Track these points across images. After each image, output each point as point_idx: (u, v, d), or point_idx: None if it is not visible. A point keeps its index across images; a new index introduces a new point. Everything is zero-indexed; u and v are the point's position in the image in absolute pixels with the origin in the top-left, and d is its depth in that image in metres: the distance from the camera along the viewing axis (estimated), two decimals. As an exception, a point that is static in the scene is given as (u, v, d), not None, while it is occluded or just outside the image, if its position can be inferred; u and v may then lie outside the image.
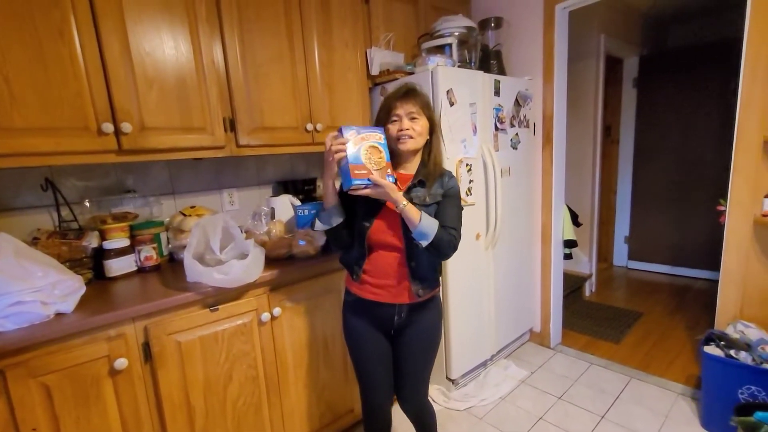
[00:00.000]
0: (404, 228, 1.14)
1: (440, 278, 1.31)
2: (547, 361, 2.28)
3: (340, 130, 1.09)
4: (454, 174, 1.25)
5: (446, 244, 1.12)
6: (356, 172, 1.05)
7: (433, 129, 1.22)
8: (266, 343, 1.38)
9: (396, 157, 1.19)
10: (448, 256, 1.16)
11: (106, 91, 1.21)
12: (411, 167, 1.22)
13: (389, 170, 1.10)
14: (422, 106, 1.18)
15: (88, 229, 1.42)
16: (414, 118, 1.16)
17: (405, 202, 1.08)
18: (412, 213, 1.08)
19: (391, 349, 1.28)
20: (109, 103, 1.22)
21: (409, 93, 1.18)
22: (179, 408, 1.21)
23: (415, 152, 1.21)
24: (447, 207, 1.17)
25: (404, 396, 1.30)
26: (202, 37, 1.40)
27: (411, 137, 1.16)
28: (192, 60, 1.38)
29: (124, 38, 1.23)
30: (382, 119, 1.20)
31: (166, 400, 1.18)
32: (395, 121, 1.17)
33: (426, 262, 1.18)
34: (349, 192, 1.07)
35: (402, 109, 1.16)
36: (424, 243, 1.10)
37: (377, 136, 1.12)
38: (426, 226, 1.09)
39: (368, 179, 1.05)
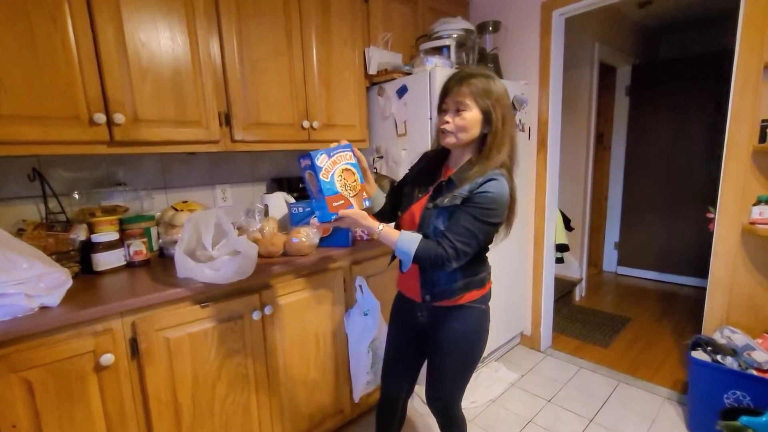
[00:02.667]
0: (420, 227, 1.08)
1: (477, 286, 1.12)
2: (537, 365, 2.29)
3: (308, 156, 1.01)
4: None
5: (431, 261, 1.00)
6: (334, 204, 1.01)
7: (489, 122, 1.02)
8: (257, 341, 1.36)
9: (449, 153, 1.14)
10: (440, 269, 1.04)
11: (99, 81, 1.19)
12: (456, 166, 1.09)
13: (364, 193, 1.08)
14: (476, 95, 1.00)
15: (76, 221, 1.38)
16: (460, 110, 1.02)
17: (379, 227, 1.04)
18: (389, 237, 1.04)
19: (424, 344, 1.24)
20: (101, 93, 1.20)
21: (464, 78, 1.02)
22: (166, 406, 1.18)
23: (464, 148, 1.07)
24: (460, 213, 1.01)
25: (427, 395, 1.27)
26: (199, 30, 1.38)
27: (450, 132, 1.04)
28: (188, 52, 1.36)
29: (119, 27, 1.21)
30: (438, 107, 1.10)
31: (152, 397, 1.15)
32: (443, 110, 1.06)
33: (439, 270, 1.06)
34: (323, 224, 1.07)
35: (451, 98, 1.04)
36: (407, 261, 1.05)
37: (347, 156, 1.05)
38: (403, 247, 1.03)
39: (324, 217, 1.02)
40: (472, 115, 1.02)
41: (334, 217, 1.01)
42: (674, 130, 3.36)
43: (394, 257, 1.24)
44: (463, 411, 1.28)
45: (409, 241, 1.03)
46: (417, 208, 1.12)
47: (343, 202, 1.02)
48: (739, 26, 1.62)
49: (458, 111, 1.03)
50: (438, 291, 1.11)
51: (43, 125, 1.11)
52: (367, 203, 1.09)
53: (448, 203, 1.03)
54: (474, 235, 1.00)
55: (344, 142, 1.07)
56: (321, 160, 1.00)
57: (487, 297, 1.17)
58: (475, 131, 1.04)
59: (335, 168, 1.02)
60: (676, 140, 3.37)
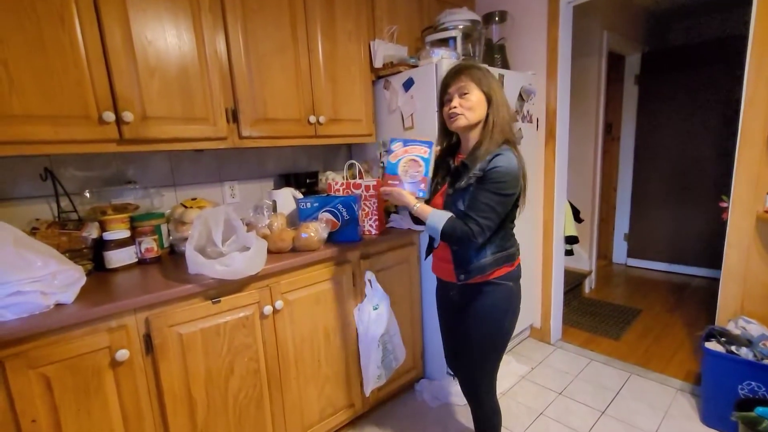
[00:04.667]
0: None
1: (505, 262, 1.18)
2: (548, 357, 2.28)
3: (392, 140, 1.23)
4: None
5: (458, 237, 1.09)
6: (389, 181, 1.22)
7: (490, 102, 1.13)
8: (268, 336, 1.37)
9: (460, 142, 1.24)
10: (468, 246, 1.14)
11: (107, 79, 1.19)
12: (467, 151, 1.18)
13: (423, 185, 1.20)
14: (476, 81, 1.12)
15: (87, 219, 1.40)
16: (464, 93, 1.13)
17: (416, 204, 1.16)
18: (423, 213, 1.16)
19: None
20: (110, 92, 1.20)
21: (461, 69, 1.14)
22: (180, 400, 1.20)
23: (471, 130, 1.16)
24: (477, 191, 1.09)
25: (458, 376, 1.35)
26: (205, 27, 1.38)
27: (459, 114, 1.13)
28: (194, 49, 1.36)
29: (126, 25, 1.21)
30: (440, 103, 1.21)
31: (167, 392, 1.17)
32: (448, 101, 1.16)
33: (467, 248, 1.15)
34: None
35: (453, 87, 1.15)
36: (436, 237, 1.14)
37: (422, 150, 1.21)
38: (432, 223, 1.13)
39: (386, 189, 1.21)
40: (477, 97, 1.13)
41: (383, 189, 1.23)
42: (685, 118, 3.30)
43: (428, 252, 1.34)
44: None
45: (439, 217, 1.12)
46: (440, 197, 1.22)
47: (397, 182, 1.21)
48: (753, 10, 1.58)
49: (463, 95, 1.13)
50: (471, 268, 1.17)
51: (53, 125, 1.12)
52: (421, 194, 1.20)
53: (465, 184, 1.12)
54: (493, 209, 1.09)
55: (428, 140, 1.23)
56: (396, 146, 1.23)
57: (515, 274, 1.21)
58: (481, 111, 1.14)
59: (404, 156, 1.22)
60: (686, 129, 3.31)
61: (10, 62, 1.05)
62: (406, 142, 1.22)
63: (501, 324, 1.21)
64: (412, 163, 1.21)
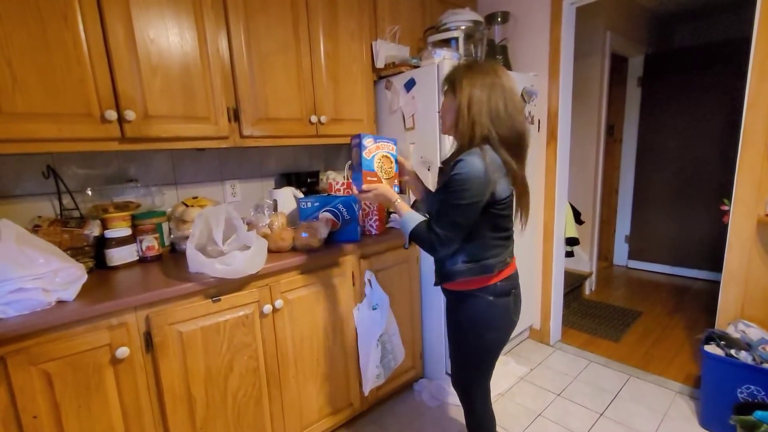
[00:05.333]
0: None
1: (480, 272, 1.12)
2: (547, 359, 2.28)
3: (358, 136, 1.20)
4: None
5: (423, 243, 1.10)
6: (368, 179, 1.19)
7: (454, 93, 1.07)
8: (267, 334, 1.38)
9: None
10: (432, 254, 1.13)
11: (109, 78, 1.20)
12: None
13: (396, 181, 1.23)
14: (449, 82, 1.10)
15: (89, 217, 1.41)
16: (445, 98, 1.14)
17: (397, 199, 1.16)
18: (401, 209, 1.15)
19: None
20: (112, 90, 1.21)
21: (447, 74, 1.12)
22: (180, 398, 1.20)
23: (454, 134, 1.12)
24: (442, 200, 1.06)
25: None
26: (207, 25, 1.38)
27: (442, 120, 1.16)
28: (196, 48, 1.37)
29: (128, 24, 1.21)
30: None
31: (167, 390, 1.17)
32: None
33: (460, 249, 1.13)
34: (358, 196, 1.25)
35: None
36: (406, 238, 1.15)
37: (390, 147, 1.23)
38: (405, 222, 1.13)
39: (361, 187, 1.19)
40: (449, 100, 1.11)
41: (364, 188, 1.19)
42: (687, 121, 3.29)
43: (440, 280, 1.25)
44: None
45: (411, 220, 1.12)
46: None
47: (375, 179, 1.19)
48: (757, 12, 1.57)
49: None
50: (443, 273, 1.17)
51: (56, 123, 1.13)
52: (396, 189, 1.22)
53: (437, 190, 1.14)
54: (452, 220, 1.04)
55: (393, 137, 1.29)
56: (367, 142, 1.19)
57: (494, 289, 1.13)
58: (452, 115, 1.10)
59: (377, 152, 1.21)
60: (689, 131, 3.30)
61: (13, 60, 1.05)
62: (376, 139, 1.21)
63: (479, 339, 1.17)
64: (385, 159, 1.22)
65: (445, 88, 1.13)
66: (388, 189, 1.17)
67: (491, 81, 1.04)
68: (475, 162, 1.00)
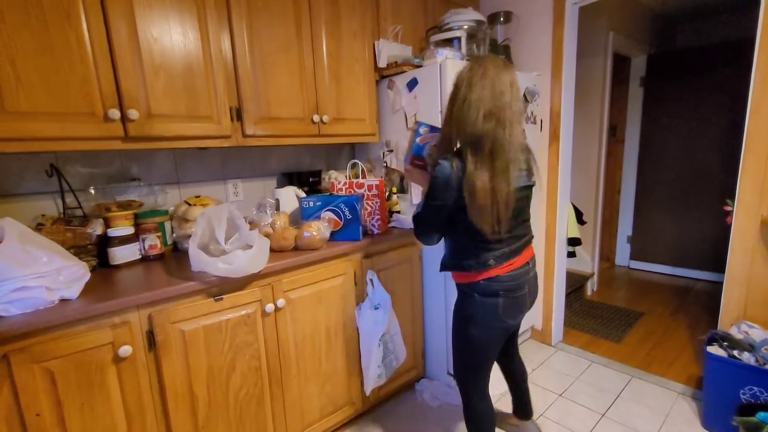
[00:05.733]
0: None
1: (463, 269, 1.20)
2: (548, 359, 2.28)
3: (421, 124, 1.32)
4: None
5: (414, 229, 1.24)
6: (415, 162, 1.32)
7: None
8: (270, 334, 1.38)
9: None
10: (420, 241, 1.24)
11: (113, 77, 1.20)
12: None
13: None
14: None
15: (92, 216, 1.41)
16: None
17: (424, 189, 1.23)
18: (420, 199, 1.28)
19: None
20: (116, 89, 1.21)
21: None
22: (182, 397, 1.21)
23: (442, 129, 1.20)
24: None
25: None
26: (210, 25, 1.38)
27: None
28: (199, 47, 1.37)
29: (132, 23, 1.22)
30: None
31: (169, 388, 1.18)
32: None
33: (447, 244, 1.26)
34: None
35: None
36: None
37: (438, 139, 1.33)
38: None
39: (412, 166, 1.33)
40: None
41: (408, 166, 1.35)
42: (690, 121, 3.28)
43: (440, 268, 1.33)
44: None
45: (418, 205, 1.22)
46: None
47: (422, 163, 1.31)
48: (761, 12, 1.57)
49: None
50: (441, 261, 1.28)
51: (60, 121, 1.13)
52: None
53: None
54: (423, 217, 1.18)
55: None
56: (423, 130, 1.31)
57: (478, 287, 1.18)
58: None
59: (430, 141, 1.30)
60: (691, 132, 3.29)
61: (17, 60, 1.05)
62: (432, 129, 1.31)
63: (464, 333, 1.24)
64: (433, 149, 1.29)
65: None
66: (423, 180, 1.28)
67: (481, 86, 1.06)
68: (443, 168, 1.07)
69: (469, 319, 1.22)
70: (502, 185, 1.06)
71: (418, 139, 1.30)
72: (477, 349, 1.25)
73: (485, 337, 1.23)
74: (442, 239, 1.27)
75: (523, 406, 1.61)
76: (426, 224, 1.18)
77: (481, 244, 1.15)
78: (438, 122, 1.75)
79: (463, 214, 1.09)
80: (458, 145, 1.10)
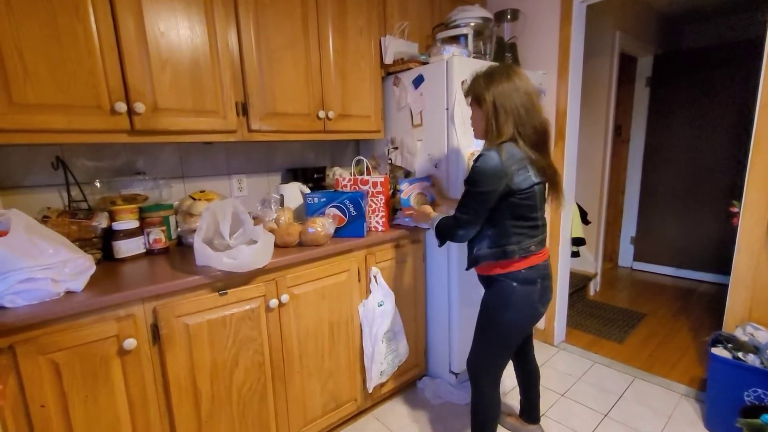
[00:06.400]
0: None
1: (502, 257, 1.24)
2: (551, 359, 2.27)
3: (398, 182, 1.72)
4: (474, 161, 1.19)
5: (445, 230, 1.29)
6: (406, 212, 1.63)
7: (480, 106, 1.21)
8: (273, 329, 1.38)
9: None
10: (453, 240, 1.29)
11: (119, 70, 1.20)
12: None
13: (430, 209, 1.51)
14: (469, 95, 1.25)
15: (97, 209, 1.41)
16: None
17: (431, 213, 1.41)
18: (434, 219, 1.35)
19: None
20: (122, 82, 1.21)
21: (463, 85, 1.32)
22: (186, 391, 1.21)
23: (486, 140, 1.26)
24: (465, 189, 1.22)
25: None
26: (217, 20, 1.38)
27: (474, 128, 1.31)
28: (206, 42, 1.36)
29: (139, 17, 1.21)
30: None
31: (173, 382, 1.18)
32: None
33: (483, 235, 1.28)
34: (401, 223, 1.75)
35: None
36: (434, 236, 1.35)
37: (424, 185, 1.73)
38: (432, 224, 1.35)
39: (409, 218, 1.64)
40: (474, 113, 1.26)
41: (400, 220, 1.76)
42: (696, 122, 3.26)
43: (469, 264, 1.36)
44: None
45: (437, 218, 1.33)
46: None
47: (411, 211, 1.60)
48: (771, 12, 1.55)
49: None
50: (471, 258, 1.31)
51: (66, 114, 1.13)
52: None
53: (464, 181, 1.24)
54: (466, 203, 1.21)
55: (428, 176, 1.79)
56: (404, 186, 1.67)
57: (518, 275, 1.24)
58: (481, 121, 1.23)
59: (412, 192, 1.68)
60: (697, 133, 3.26)
61: (25, 52, 1.05)
62: (411, 182, 1.68)
63: (496, 318, 1.28)
64: (419, 196, 1.69)
65: (470, 100, 1.26)
66: (422, 211, 1.48)
67: (511, 87, 1.17)
68: (492, 155, 1.14)
69: (505, 307, 1.25)
70: (549, 163, 1.23)
71: (401, 195, 1.64)
72: (508, 335, 1.29)
73: (519, 323, 1.28)
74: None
75: (531, 409, 1.61)
76: (471, 212, 1.20)
77: (525, 230, 1.23)
78: (443, 119, 1.74)
79: (512, 198, 1.17)
80: (504, 138, 1.17)
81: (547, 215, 2.30)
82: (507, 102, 1.16)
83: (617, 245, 3.81)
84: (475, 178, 1.17)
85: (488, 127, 1.20)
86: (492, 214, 1.20)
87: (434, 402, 1.89)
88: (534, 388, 1.59)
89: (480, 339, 1.33)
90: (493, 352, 1.32)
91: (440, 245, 1.34)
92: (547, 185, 1.27)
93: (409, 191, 1.65)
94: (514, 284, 1.24)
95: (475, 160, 1.17)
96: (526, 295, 1.24)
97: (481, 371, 1.34)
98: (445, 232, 1.29)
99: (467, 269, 1.35)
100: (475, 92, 1.21)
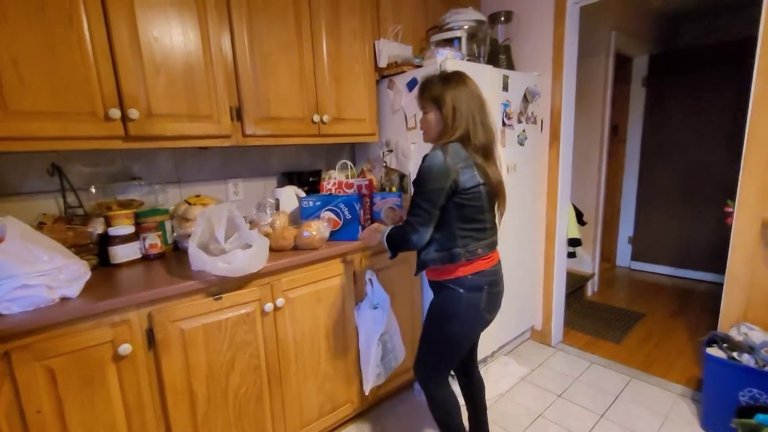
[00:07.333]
0: None
1: (449, 261, 1.20)
2: (548, 359, 2.28)
3: (372, 196, 1.78)
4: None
5: (397, 238, 1.23)
6: (359, 237, 1.56)
7: (439, 108, 1.19)
8: (269, 333, 1.39)
9: None
10: (407, 247, 1.23)
11: (113, 77, 1.21)
12: None
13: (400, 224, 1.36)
14: (425, 98, 1.22)
15: (93, 215, 1.42)
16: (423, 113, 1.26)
17: (382, 232, 1.28)
18: (384, 232, 1.28)
19: None
20: (116, 89, 1.22)
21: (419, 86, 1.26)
22: (181, 394, 1.21)
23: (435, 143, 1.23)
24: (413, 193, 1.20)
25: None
26: (211, 25, 1.39)
27: (425, 132, 1.28)
28: (200, 47, 1.37)
29: (132, 24, 1.22)
30: None
31: (168, 386, 1.18)
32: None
33: (430, 240, 1.24)
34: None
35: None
36: (388, 249, 1.29)
37: (394, 200, 1.75)
38: (383, 236, 1.28)
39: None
40: (430, 115, 1.22)
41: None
42: (692, 121, 3.27)
43: (417, 269, 1.31)
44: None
45: (385, 232, 1.27)
46: None
47: (363, 234, 1.47)
48: (763, 11, 1.56)
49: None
50: (419, 262, 1.26)
51: (61, 121, 1.14)
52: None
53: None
54: (417, 205, 1.16)
55: (397, 191, 1.82)
56: (377, 200, 1.77)
57: (464, 281, 1.20)
58: (434, 124, 1.22)
59: (383, 206, 1.76)
60: (694, 132, 3.27)
61: (19, 60, 1.06)
62: (383, 196, 1.76)
63: (442, 326, 1.24)
64: (390, 210, 1.74)
65: (424, 103, 1.23)
66: (371, 229, 1.39)
67: (466, 92, 1.18)
68: (437, 154, 1.13)
69: (452, 316, 1.22)
70: (494, 171, 1.21)
71: (375, 208, 1.76)
72: (453, 345, 1.26)
73: (465, 333, 1.25)
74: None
75: (479, 426, 1.49)
76: (422, 213, 1.15)
77: (472, 232, 1.20)
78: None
79: (457, 197, 1.15)
80: (450, 138, 1.17)
81: (541, 219, 2.33)
82: (462, 106, 1.16)
83: (615, 245, 3.81)
84: (422, 177, 1.15)
85: (445, 130, 1.18)
86: (440, 216, 1.18)
87: (431, 403, 1.89)
88: (479, 401, 1.48)
89: (425, 348, 1.30)
90: (439, 361, 1.29)
91: (392, 257, 1.29)
92: (491, 193, 1.22)
93: (380, 205, 1.74)
94: (461, 291, 1.20)
95: (422, 161, 1.16)
96: (473, 303, 1.21)
97: (428, 379, 1.32)
98: (398, 239, 1.23)
99: (415, 274, 1.31)
100: (434, 94, 1.19)
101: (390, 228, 1.27)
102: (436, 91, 1.19)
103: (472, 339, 1.32)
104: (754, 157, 1.63)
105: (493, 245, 1.26)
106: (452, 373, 1.53)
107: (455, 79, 1.19)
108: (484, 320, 1.26)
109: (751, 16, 1.89)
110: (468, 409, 1.50)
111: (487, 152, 1.20)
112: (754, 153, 1.63)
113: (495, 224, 1.27)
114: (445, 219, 1.18)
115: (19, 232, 1.04)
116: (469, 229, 1.19)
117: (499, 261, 1.30)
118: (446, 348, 1.27)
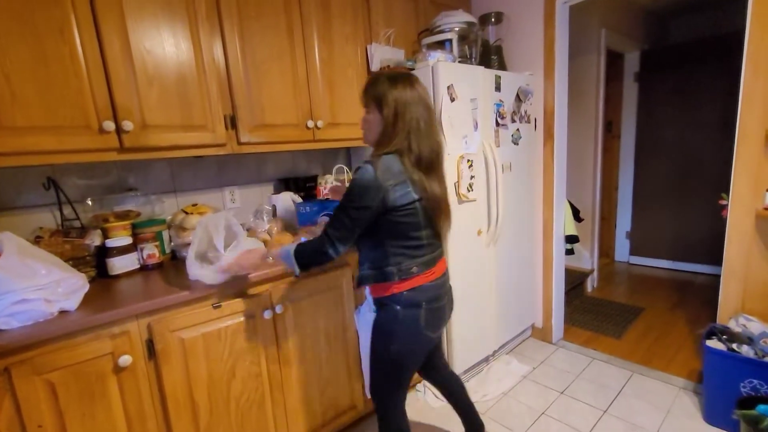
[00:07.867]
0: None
1: (383, 279, 1.12)
2: (549, 357, 2.28)
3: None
4: (450, 168, 1.15)
5: (310, 251, 1.12)
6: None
7: (380, 108, 1.09)
8: (269, 340, 1.39)
9: None
10: (319, 261, 1.13)
11: (107, 90, 1.21)
12: None
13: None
14: (368, 97, 1.13)
15: (90, 227, 1.42)
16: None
17: (287, 249, 1.15)
18: (274, 252, 1.19)
19: None
20: (110, 101, 1.22)
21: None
22: (183, 404, 1.21)
23: (376, 146, 1.14)
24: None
25: None
26: (202, 35, 1.39)
27: (364, 133, 1.19)
28: (192, 57, 1.38)
29: (124, 36, 1.23)
30: None
31: (170, 396, 1.18)
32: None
33: (363, 256, 1.18)
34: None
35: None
36: (291, 264, 1.14)
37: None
38: (283, 255, 1.16)
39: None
40: (370, 115, 1.13)
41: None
42: (686, 115, 3.29)
43: (356, 284, 1.23)
44: (475, 404, 1.28)
45: (289, 247, 1.15)
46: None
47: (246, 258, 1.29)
48: (749, 6, 1.58)
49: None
50: (357, 277, 1.19)
51: (56, 135, 1.14)
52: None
53: None
54: (338, 218, 1.08)
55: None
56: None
57: (400, 298, 1.12)
58: (376, 124, 1.11)
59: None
60: (687, 125, 3.30)
61: (12, 75, 1.07)
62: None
63: (383, 345, 1.16)
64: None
65: (367, 101, 1.13)
66: (245, 253, 1.23)
67: (414, 96, 1.08)
68: (367, 169, 1.04)
69: (390, 335, 1.14)
70: (434, 186, 1.11)
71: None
72: (397, 365, 1.19)
73: (406, 352, 1.17)
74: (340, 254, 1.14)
75: (472, 423, 1.48)
76: (343, 228, 1.07)
77: (405, 250, 1.12)
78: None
79: (390, 215, 1.07)
80: (390, 149, 1.08)
81: (537, 217, 2.33)
82: (406, 111, 1.07)
83: (613, 240, 3.83)
84: (350, 192, 1.06)
85: (384, 134, 1.09)
86: (369, 233, 1.10)
87: (434, 405, 1.90)
88: (463, 399, 1.47)
89: (374, 369, 1.23)
90: (391, 383, 1.22)
91: (301, 271, 1.15)
92: (429, 208, 1.12)
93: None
94: (398, 308, 1.12)
95: (354, 173, 1.07)
96: (411, 321, 1.13)
97: (384, 401, 1.25)
98: (311, 252, 1.11)
99: (355, 288, 1.23)
100: (377, 92, 1.09)
101: (295, 244, 1.15)
102: (380, 89, 1.09)
103: (415, 359, 1.21)
104: (745, 149, 1.65)
105: (431, 262, 1.16)
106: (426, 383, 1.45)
107: (403, 80, 1.10)
108: (426, 338, 1.18)
109: (738, 11, 1.92)
110: (451, 404, 1.49)
111: (430, 165, 1.11)
112: (745, 146, 1.64)
113: (435, 240, 1.18)
114: (377, 236, 1.10)
115: (16, 246, 1.04)
116: (403, 246, 1.11)
117: (445, 273, 1.22)
118: (392, 367, 1.19)
